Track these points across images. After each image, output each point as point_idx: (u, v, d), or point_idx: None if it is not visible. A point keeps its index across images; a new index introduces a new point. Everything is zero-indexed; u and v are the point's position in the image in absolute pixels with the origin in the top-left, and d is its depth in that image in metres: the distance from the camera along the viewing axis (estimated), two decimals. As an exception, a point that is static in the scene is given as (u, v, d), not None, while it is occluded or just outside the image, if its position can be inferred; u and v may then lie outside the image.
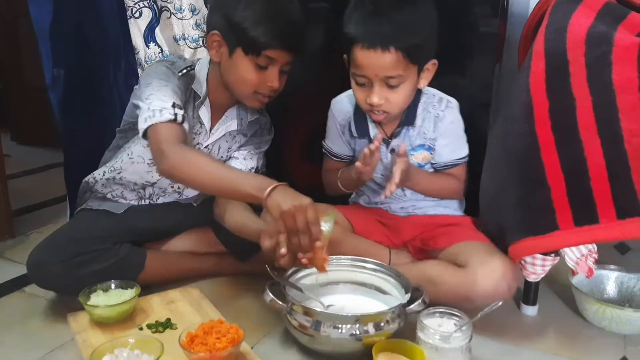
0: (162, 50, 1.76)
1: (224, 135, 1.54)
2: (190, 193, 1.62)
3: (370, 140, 1.48)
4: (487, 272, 1.26)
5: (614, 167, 1.13)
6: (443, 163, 1.50)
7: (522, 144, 1.23)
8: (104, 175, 1.55)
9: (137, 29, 1.73)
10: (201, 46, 1.81)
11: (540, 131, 1.19)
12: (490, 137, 1.43)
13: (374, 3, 1.30)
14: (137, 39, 1.74)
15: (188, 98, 1.45)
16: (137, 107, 1.38)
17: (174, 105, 1.32)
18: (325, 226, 1.17)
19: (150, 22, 1.74)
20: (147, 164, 1.51)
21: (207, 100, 1.48)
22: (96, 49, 1.74)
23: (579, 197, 1.18)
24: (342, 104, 1.55)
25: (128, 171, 1.53)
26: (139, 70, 1.76)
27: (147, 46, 1.74)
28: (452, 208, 1.57)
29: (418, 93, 1.45)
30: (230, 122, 1.53)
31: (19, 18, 2.76)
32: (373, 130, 1.49)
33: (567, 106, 1.16)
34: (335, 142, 1.58)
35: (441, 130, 1.47)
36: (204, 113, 1.48)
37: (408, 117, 1.45)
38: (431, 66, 1.39)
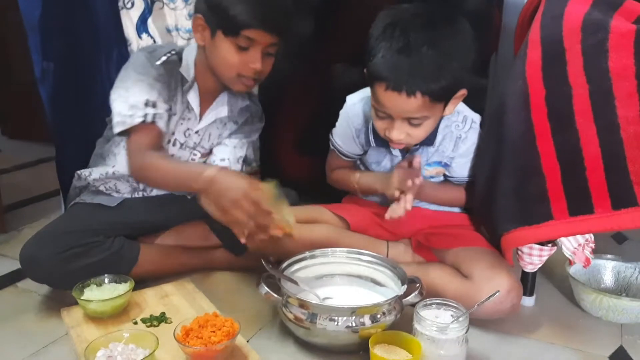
0: (154, 42, 1.74)
1: (215, 121, 1.53)
2: None
3: (389, 151, 1.45)
4: (491, 290, 1.21)
5: (609, 156, 1.13)
6: (458, 179, 1.48)
7: (517, 133, 1.22)
8: (98, 170, 1.54)
9: (129, 19, 1.71)
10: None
11: (536, 119, 1.18)
12: (486, 126, 1.42)
13: (406, 39, 1.20)
14: (129, 30, 1.71)
15: (176, 84, 1.44)
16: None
17: (146, 104, 1.33)
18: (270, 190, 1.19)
19: (142, 12, 1.71)
20: None
21: (196, 85, 1.47)
22: (87, 42, 1.71)
23: (574, 186, 1.17)
24: (360, 107, 1.48)
25: (123, 164, 1.51)
26: (132, 62, 1.74)
27: (140, 37, 1.72)
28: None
29: None
30: (220, 108, 1.52)
31: (6, 11, 2.72)
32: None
33: (563, 94, 1.15)
34: (346, 142, 1.52)
35: (461, 150, 1.44)
36: (193, 98, 1.47)
37: (427, 138, 1.39)
38: (460, 95, 1.32)
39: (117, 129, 1.36)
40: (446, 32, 1.23)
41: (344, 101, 1.53)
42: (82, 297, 1.28)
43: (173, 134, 1.52)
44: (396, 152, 1.45)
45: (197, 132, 1.53)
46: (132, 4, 1.70)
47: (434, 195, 1.48)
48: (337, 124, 1.54)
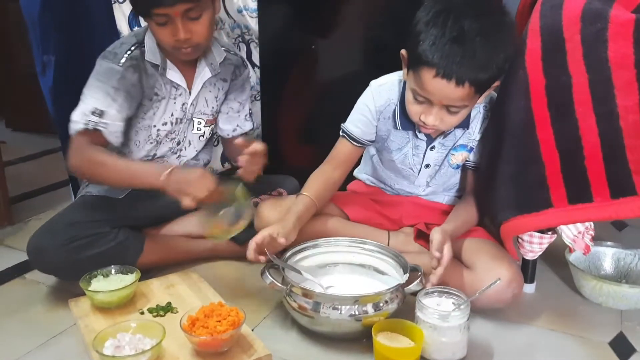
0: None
1: (204, 86, 1.54)
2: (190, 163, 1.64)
3: (415, 134, 1.43)
4: (492, 280, 1.22)
5: (608, 145, 1.13)
6: (474, 162, 1.47)
7: (517, 121, 1.23)
8: None
9: (121, 13, 1.72)
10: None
11: (536, 108, 1.19)
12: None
13: (460, 28, 1.19)
14: (122, 23, 1.72)
15: (148, 73, 1.44)
16: None
17: (93, 112, 1.37)
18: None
19: (134, 6, 1.72)
20: (150, 142, 1.52)
21: (170, 63, 1.47)
22: (83, 35, 1.72)
23: (573, 175, 1.18)
24: (387, 89, 1.43)
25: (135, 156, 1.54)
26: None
27: (132, 31, 1.72)
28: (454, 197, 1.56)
29: None
30: (204, 72, 1.52)
31: (8, 3, 2.72)
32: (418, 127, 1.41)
33: (563, 83, 1.15)
34: (361, 125, 1.47)
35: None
36: (174, 75, 1.48)
37: (463, 121, 1.38)
38: (494, 86, 1.31)
39: (70, 132, 1.39)
40: (497, 22, 1.23)
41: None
42: (89, 288, 1.30)
43: (172, 114, 1.52)
44: (422, 136, 1.43)
45: (192, 103, 1.54)
46: (124, -2, 1.70)
47: (457, 235, 1.41)
48: (355, 106, 1.49)
